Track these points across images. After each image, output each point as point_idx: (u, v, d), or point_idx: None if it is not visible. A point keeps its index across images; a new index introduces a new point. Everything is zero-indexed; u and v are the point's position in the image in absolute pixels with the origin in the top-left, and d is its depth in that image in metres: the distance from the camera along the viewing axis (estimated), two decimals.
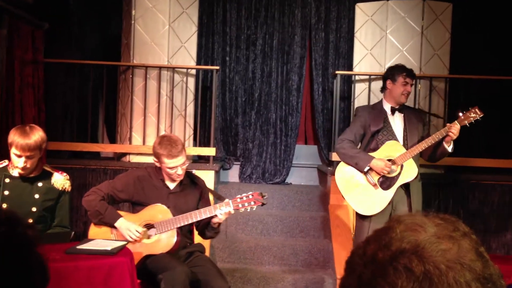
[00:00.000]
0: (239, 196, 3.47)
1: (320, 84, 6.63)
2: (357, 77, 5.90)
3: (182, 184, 3.58)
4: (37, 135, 3.27)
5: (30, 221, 3.32)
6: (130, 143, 5.77)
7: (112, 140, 6.34)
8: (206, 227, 3.57)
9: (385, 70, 4.32)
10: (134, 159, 5.74)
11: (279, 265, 5.13)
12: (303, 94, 6.69)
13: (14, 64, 4.94)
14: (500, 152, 6.06)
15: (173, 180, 3.56)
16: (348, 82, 6.30)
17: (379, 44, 5.88)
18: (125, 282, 2.85)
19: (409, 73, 4.14)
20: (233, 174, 6.68)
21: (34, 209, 3.35)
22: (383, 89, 4.23)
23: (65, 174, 3.55)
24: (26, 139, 3.20)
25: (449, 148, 4.02)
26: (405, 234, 0.79)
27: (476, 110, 4.00)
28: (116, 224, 3.42)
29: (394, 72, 4.15)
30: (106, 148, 5.96)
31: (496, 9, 6.34)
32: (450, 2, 5.86)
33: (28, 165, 3.26)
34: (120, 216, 3.45)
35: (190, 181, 3.65)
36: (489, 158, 5.84)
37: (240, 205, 3.44)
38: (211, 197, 3.80)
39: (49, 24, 5.43)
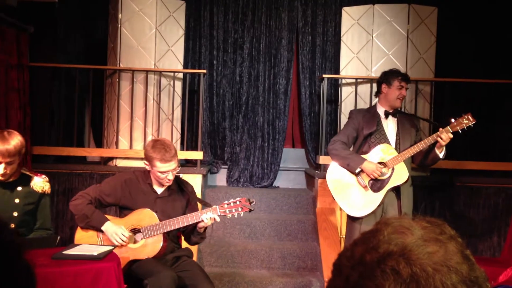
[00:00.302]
0: (226, 202, 3.46)
1: (307, 87, 6.64)
2: (343, 81, 5.93)
3: (170, 189, 3.57)
4: (16, 139, 3.23)
5: (12, 226, 3.30)
6: (117, 147, 5.74)
7: (99, 144, 6.30)
8: (192, 232, 3.56)
9: (380, 74, 4.34)
10: (121, 163, 5.71)
11: (267, 268, 5.12)
12: (290, 97, 6.70)
13: None
14: (485, 154, 6.12)
15: (161, 185, 3.54)
16: (335, 85, 6.33)
17: (365, 48, 5.92)
18: (111, 287, 2.83)
19: (404, 77, 4.18)
20: (220, 177, 6.67)
21: (15, 213, 3.33)
22: (378, 93, 4.26)
23: (44, 176, 3.53)
24: (5, 145, 3.16)
25: (441, 155, 4.05)
26: (393, 237, 0.79)
27: (469, 116, 4.02)
28: (103, 228, 3.39)
29: (389, 76, 4.18)
30: (92, 153, 5.92)
31: (481, 13, 6.40)
32: (435, 6, 5.91)
33: (8, 171, 3.24)
34: (107, 219, 3.42)
35: (178, 186, 3.63)
36: (475, 160, 5.90)
37: (227, 211, 3.43)
38: (198, 204, 3.79)
39: (34, 27, 5.39)
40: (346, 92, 5.92)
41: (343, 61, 6.02)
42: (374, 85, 5.76)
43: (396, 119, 4.20)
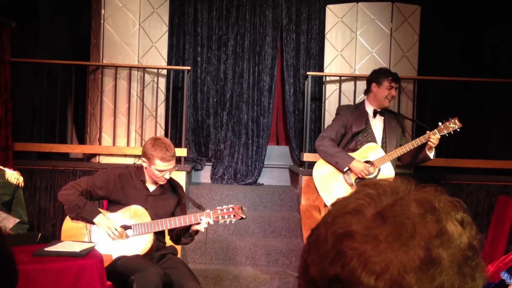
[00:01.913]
0: (219, 207, 3.51)
1: (291, 85, 6.65)
2: (327, 78, 5.95)
3: (162, 188, 3.57)
4: None
5: None
6: (100, 144, 5.70)
7: (81, 140, 6.25)
8: (183, 233, 3.55)
9: (370, 72, 4.36)
10: (104, 160, 5.67)
11: (251, 265, 5.12)
12: (274, 95, 6.71)
13: None
14: (468, 152, 6.19)
15: (154, 183, 3.54)
16: (319, 83, 6.35)
17: (349, 46, 5.94)
18: (94, 284, 2.82)
19: (394, 77, 4.21)
20: (204, 175, 6.66)
21: None
22: (367, 91, 4.27)
23: (16, 171, 3.54)
24: None
25: (431, 155, 4.11)
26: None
27: (456, 121, 4.08)
28: (95, 220, 3.37)
29: (379, 76, 4.20)
30: (75, 149, 5.87)
31: (463, 12, 6.46)
32: (419, 5, 5.96)
33: None
34: (99, 212, 3.42)
35: (170, 185, 3.63)
36: (457, 158, 5.97)
37: (220, 217, 3.48)
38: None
39: (16, 23, 5.32)
40: (330, 90, 5.95)
41: (327, 59, 6.04)
42: (358, 82, 5.82)
43: (383, 118, 4.23)
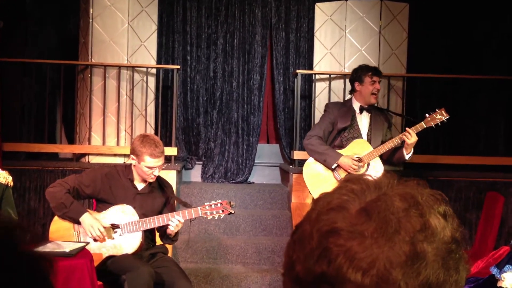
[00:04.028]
0: (207, 203, 3.50)
1: (281, 83, 6.66)
2: (317, 76, 5.96)
3: (150, 187, 3.56)
4: None
5: None
6: (89, 143, 5.67)
7: (71, 140, 6.22)
8: (163, 235, 3.56)
9: (351, 72, 4.37)
10: (94, 159, 5.64)
11: (242, 264, 5.13)
12: (264, 93, 6.71)
13: None
14: (457, 149, 6.24)
15: (143, 181, 3.52)
16: (309, 81, 6.36)
17: (338, 44, 5.96)
18: (84, 284, 2.81)
19: (374, 71, 4.21)
20: (195, 173, 6.65)
21: None
22: (352, 91, 4.29)
23: (5, 171, 3.52)
24: None
25: (407, 156, 4.08)
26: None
27: (443, 111, 4.08)
28: (80, 219, 3.36)
29: (360, 74, 4.21)
30: (65, 149, 5.84)
31: (452, 9, 6.50)
32: (407, 3, 5.98)
33: None
34: (86, 211, 3.40)
35: (159, 184, 3.62)
36: (446, 155, 6.01)
37: (208, 213, 3.46)
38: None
39: (4, 22, 5.28)
40: (320, 88, 5.96)
41: (316, 57, 6.05)
42: (348, 80, 5.80)
43: (370, 114, 4.24)
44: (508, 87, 6.09)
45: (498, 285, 3.10)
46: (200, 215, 3.46)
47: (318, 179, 4.11)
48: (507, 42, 6.19)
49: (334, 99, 5.84)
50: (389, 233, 0.67)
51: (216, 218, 3.51)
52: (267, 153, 6.91)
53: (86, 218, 3.36)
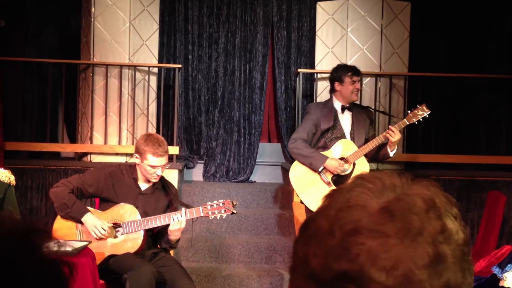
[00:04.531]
0: (209, 203, 3.49)
1: (282, 82, 6.66)
2: (319, 75, 5.96)
3: (154, 187, 3.55)
4: None
5: None
6: (91, 142, 5.68)
7: (73, 139, 6.22)
8: (163, 238, 3.54)
9: (331, 72, 4.38)
10: (96, 158, 5.65)
11: (244, 263, 5.13)
12: (266, 92, 6.71)
13: None
14: (458, 148, 6.23)
15: (147, 181, 3.52)
16: (310, 80, 6.35)
17: (340, 43, 5.95)
18: (87, 283, 2.81)
19: (354, 71, 4.21)
20: (197, 173, 6.65)
21: None
22: (332, 91, 4.29)
23: (7, 170, 3.52)
24: None
25: (391, 153, 4.09)
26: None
27: (424, 107, 4.09)
28: (82, 219, 3.36)
29: (339, 74, 4.21)
30: (66, 148, 5.84)
31: (453, 8, 6.50)
32: (409, 1, 5.98)
33: None
34: (88, 211, 3.40)
35: (162, 186, 3.62)
36: (448, 154, 6.01)
37: (210, 212, 3.46)
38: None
39: (5, 21, 5.28)
40: (322, 87, 5.95)
41: (318, 56, 6.05)
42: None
43: (351, 113, 4.24)
44: (509, 86, 6.08)
45: (500, 284, 3.10)
46: (202, 215, 3.45)
47: (305, 182, 4.11)
48: (508, 41, 6.19)
49: None
50: (413, 234, 0.67)
51: (218, 217, 3.50)
52: (268, 152, 6.91)
53: (88, 218, 3.36)
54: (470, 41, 6.47)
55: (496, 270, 3.21)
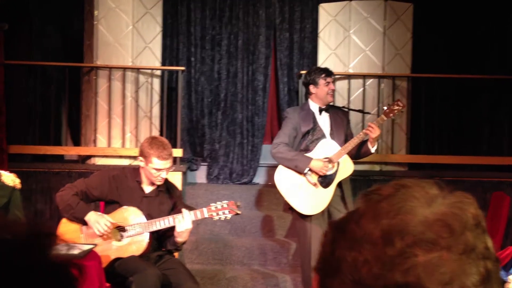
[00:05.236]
0: (213, 204, 3.49)
1: (285, 84, 6.66)
2: None
3: (158, 190, 3.56)
4: None
5: None
6: (95, 145, 5.69)
7: (76, 142, 6.24)
8: (169, 240, 3.53)
9: (304, 75, 4.44)
10: (99, 161, 5.66)
11: (248, 265, 5.13)
12: (268, 94, 6.70)
13: None
14: (461, 149, 6.23)
15: (151, 184, 3.52)
16: None
17: (342, 44, 5.96)
18: (93, 286, 2.82)
19: (327, 73, 4.25)
20: (200, 175, 6.65)
21: None
22: (308, 94, 4.32)
23: (13, 173, 3.54)
24: None
25: (373, 149, 4.14)
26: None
27: (399, 102, 4.16)
28: (86, 218, 3.37)
29: (313, 76, 4.25)
30: (70, 151, 5.86)
31: (456, 9, 6.50)
32: (411, 3, 5.98)
33: None
34: (91, 209, 3.41)
35: (166, 189, 3.62)
36: (451, 155, 6.01)
37: (214, 214, 3.46)
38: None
39: (8, 24, 5.30)
40: None
41: (320, 58, 6.05)
42: (352, 81, 5.85)
43: (329, 114, 4.27)
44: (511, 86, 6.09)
45: (505, 287, 3.10)
46: (207, 216, 3.46)
47: (292, 186, 4.12)
48: (510, 41, 6.18)
49: (338, 99, 5.84)
50: (468, 250, 0.67)
51: (222, 219, 3.50)
52: None
53: (92, 215, 3.38)
54: (473, 42, 6.47)
55: (501, 273, 3.21)
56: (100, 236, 3.36)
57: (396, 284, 0.66)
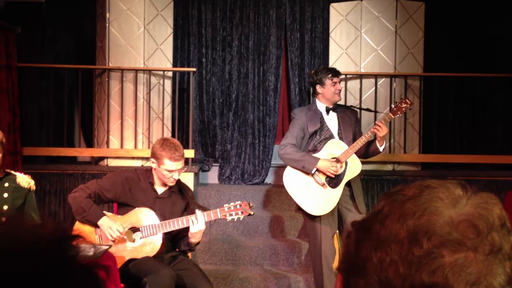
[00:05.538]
0: (227, 205, 3.51)
1: (296, 84, 6.65)
2: None
3: (170, 191, 3.57)
4: None
5: (4, 219, 3.29)
6: (108, 146, 5.72)
7: (89, 144, 6.27)
8: (182, 240, 3.55)
9: (310, 75, 4.41)
10: (112, 163, 5.69)
11: (260, 265, 5.13)
12: (280, 94, 6.70)
13: None
14: (475, 148, 6.19)
15: (163, 185, 3.54)
16: None
17: (354, 44, 5.94)
18: (108, 287, 2.83)
19: (334, 73, 4.24)
20: (212, 175, 6.66)
21: (5, 207, 3.36)
22: (314, 94, 4.31)
23: (27, 175, 3.57)
24: None
25: (381, 148, 4.13)
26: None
27: (407, 100, 4.14)
28: (98, 222, 3.39)
29: (319, 77, 4.23)
30: (83, 153, 5.89)
31: (467, 7, 6.46)
32: (423, 1, 5.95)
33: None
34: (104, 214, 3.43)
35: (179, 189, 3.63)
36: (465, 154, 5.97)
37: (227, 214, 3.47)
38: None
39: (21, 28, 5.35)
40: None
41: (332, 57, 6.04)
42: (364, 80, 5.83)
43: (336, 113, 4.25)
44: None
45: None
46: (220, 217, 3.47)
47: (299, 186, 4.11)
48: None
49: (350, 99, 5.83)
50: (495, 250, 0.68)
51: (235, 219, 3.52)
52: None
53: (104, 220, 3.39)
54: (485, 40, 6.43)
55: None
56: (113, 241, 3.38)
57: (423, 284, 0.67)
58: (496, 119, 6.29)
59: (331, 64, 6.00)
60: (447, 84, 6.11)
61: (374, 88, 5.84)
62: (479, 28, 6.45)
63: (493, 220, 0.70)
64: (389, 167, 5.83)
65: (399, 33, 5.86)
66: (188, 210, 3.63)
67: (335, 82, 4.20)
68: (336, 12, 6.02)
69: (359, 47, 5.92)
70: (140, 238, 3.44)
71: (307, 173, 4.07)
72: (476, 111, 6.43)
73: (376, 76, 5.83)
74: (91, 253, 2.94)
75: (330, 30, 6.07)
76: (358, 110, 4.64)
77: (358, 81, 5.83)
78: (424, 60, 5.93)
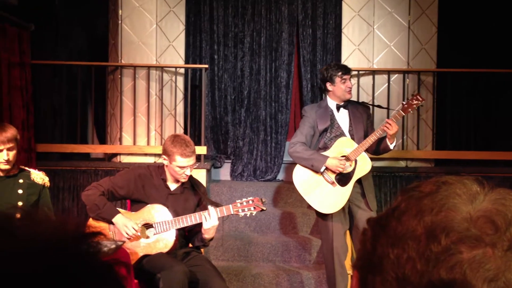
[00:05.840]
0: (239, 201, 3.52)
1: (308, 80, 6.63)
2: None
3: (183, 187, 3.59)
4: (10, 127, 3.43)
5: (18, 216, 3.32)
6: (121, 143, 5.75)
7: (102, 141, 6.31)
8: (196, 236, 3.56)
9: (321, 72, 4.37)
10: (125, 159, 5.72)
11: (272, 262, 5.14)
12: (292, 90, 6.68)
13: (1, 67, 4.90)
14: (489, 144, 6.14)
15: (176, 181, 3.56)
16: None
17: (366, 40, 5.91)
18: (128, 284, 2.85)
19: (344, 70, 4.20)
20: (224, 172, 6.67)
21: (20, 203, 3.39)
22: (325, 91, 4.28)
23: (42, 171, 3.60)
24: (2, 133, 3.32)
25: (391, 145, 4.10)
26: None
27: (418, 97, 4.08)
28: (113, 220, 3.41)
29: (329, 74, 4.20)
30: (96, 149, 5.92)
31: (481, 2, 6.40)
32: None
33: (10, 158, 3.34)
34: (118, 212, 3.45)
35: (191, 185, 3.65)
36: (478, 150, 5.92)
37: (240, 210, 3.49)
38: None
39: (35, 25, 5.38)
40: None
41: (344, 53, 6.01)
42: (377, 76, 5.80)
43: (347, 110, 4.22)
44: None
45: None
46: (232, 213, 3.47)
47: (309, 185, 4.10)
48: None
49: (363, 95, 5.80)
50: None
51: (248, 215, 3.53)
52: None
53: (119, 218, 3.41)
54: (498, 36, 6.37)
55: None
56: (128, 238, 3.40)
57: (441, 281, 0.66)
58: (510, 115, 6.23)
59: (344, 60, 5.98)
60: (460, 80, 6.06)
61: (387, 84, 5.81)
62: (493, 23, 6.39)
63: (511, 215, 0.69)
64: (402, 164, 5.80)
65: (412, 28, 5.83)
66: (200, 206, 3.64)
67: (345, 80, 4.17)
68: (348, 8, 5.99)
69: (372, 43, 5.88)
70: (154, 234, 3.46)
71: (316, 171, 4.07)
72: (490, 107, 6.37)
73: (389, 72, 5.80)
74: (105, 249, 2.96)
75: (343, 26, 6.04)
76: (370, 107, 4.60)
77: (370, 77, 5.80)
78: (438, 55, 5.89)
